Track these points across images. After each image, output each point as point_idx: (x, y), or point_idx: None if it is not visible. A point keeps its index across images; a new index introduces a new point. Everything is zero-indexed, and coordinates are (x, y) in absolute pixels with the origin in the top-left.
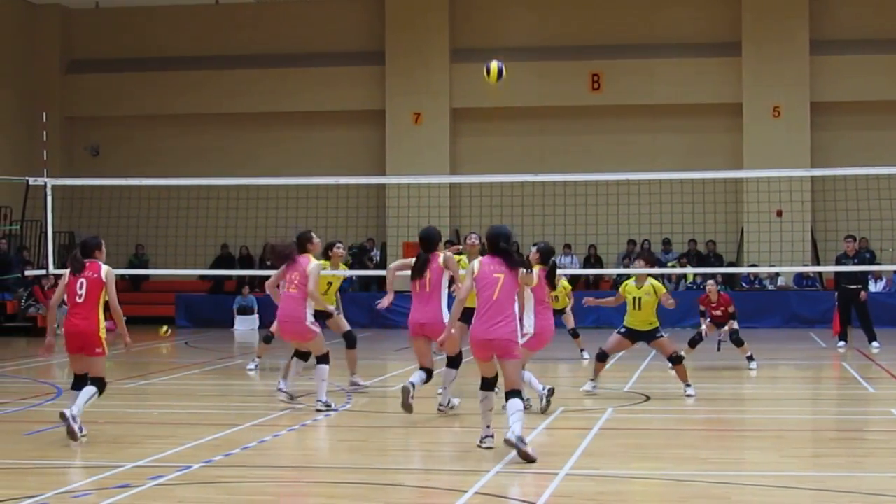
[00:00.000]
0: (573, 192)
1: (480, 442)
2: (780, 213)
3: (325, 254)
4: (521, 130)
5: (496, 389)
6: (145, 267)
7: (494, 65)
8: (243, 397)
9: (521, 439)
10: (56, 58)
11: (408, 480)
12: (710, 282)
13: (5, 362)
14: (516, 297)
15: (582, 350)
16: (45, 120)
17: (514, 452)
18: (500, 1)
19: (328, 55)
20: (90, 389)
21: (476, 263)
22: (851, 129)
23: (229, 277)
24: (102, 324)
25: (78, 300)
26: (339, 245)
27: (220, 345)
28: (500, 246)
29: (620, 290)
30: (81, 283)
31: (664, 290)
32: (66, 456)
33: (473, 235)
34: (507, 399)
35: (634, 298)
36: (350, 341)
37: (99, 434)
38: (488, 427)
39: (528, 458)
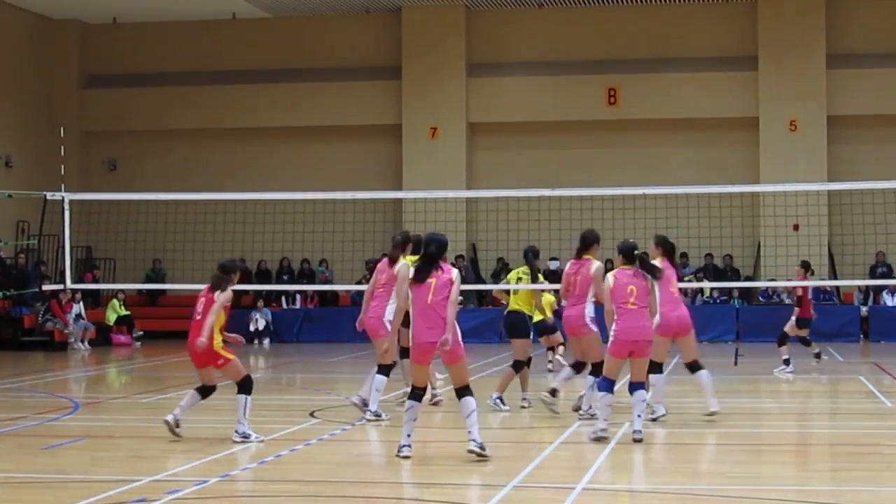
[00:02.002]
0: (590, 206)
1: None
2: (796, 227)
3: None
4: (538, 145)
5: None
6: (162, 281)
7: None
8: (260, 411)
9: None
10: (73, 72)
11: (424, 495)
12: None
13: (23, 376)
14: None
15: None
16: (62, 134)
17: (530, 467)
18: (516, 16)
19: (345, 70)
20: (240, 398)
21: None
22: (868, 142)
23: (246, 292)
24: (218, 337)
25: (197, 317)
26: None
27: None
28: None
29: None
30: (201, 302)
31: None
32: (83, 470)
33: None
34: (459, 397)
35: None
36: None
37: (116, 448)
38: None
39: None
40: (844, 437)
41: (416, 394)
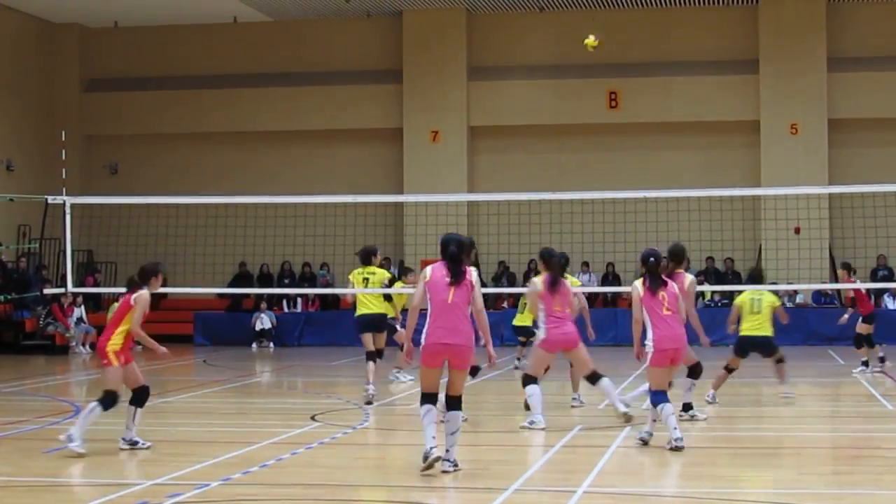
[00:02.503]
0: (591, 209)
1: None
2: (797, 231)
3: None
4: (539, 148)
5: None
6: (164, 285)
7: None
8: (261, 415)
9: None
10: (75, 76)
11: (426, 499)
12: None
13: (24, 380)
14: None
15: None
16: (63, 138)
17: (531, 470)
18: (517, 19)
19: (346, 73)
20: (93, 405)
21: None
22: (869, 145)
23: (247, 296)
24: (115, 340)
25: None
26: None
27: (238, 363)
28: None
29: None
30: (114, 305)
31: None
32: (85, 474)
33: None
34: (448, 408)
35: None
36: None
37: (117, 452)
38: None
39: None
40: (845, 441)
41: (428, 397)
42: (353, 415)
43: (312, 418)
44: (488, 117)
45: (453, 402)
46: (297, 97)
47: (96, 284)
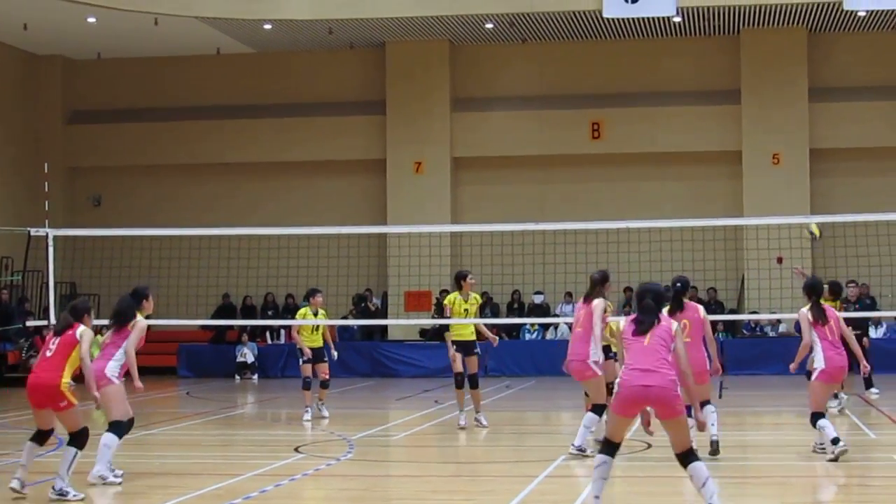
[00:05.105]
0: (574, 240)
1: None
2: (780, 260)
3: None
4: (523, 179)
5: None
6: (147, 317)
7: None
8: (245, 447)
9: None
10: (58, 108)
11: None
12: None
13: (7, 413)
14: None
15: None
16: (46, 170)
17: (514, 500)
18: (500, 51)
19: (329, 105)
20: (70, 450)
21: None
22: (851, 175)
23: (231, 327)
24: (66, 378)
25: (47, 353)
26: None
27: (222, 394)
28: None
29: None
30: (54, 341)
31: None
32: None
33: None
34: (684, 464)
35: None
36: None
37: (100, 486)
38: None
39: None
40: (830, 470)
41: (608, 446)
42: (336, 446)
43: (296, 450)
44: (471, 148)
45: (686, 457)
46: (280, 129)
47: None
